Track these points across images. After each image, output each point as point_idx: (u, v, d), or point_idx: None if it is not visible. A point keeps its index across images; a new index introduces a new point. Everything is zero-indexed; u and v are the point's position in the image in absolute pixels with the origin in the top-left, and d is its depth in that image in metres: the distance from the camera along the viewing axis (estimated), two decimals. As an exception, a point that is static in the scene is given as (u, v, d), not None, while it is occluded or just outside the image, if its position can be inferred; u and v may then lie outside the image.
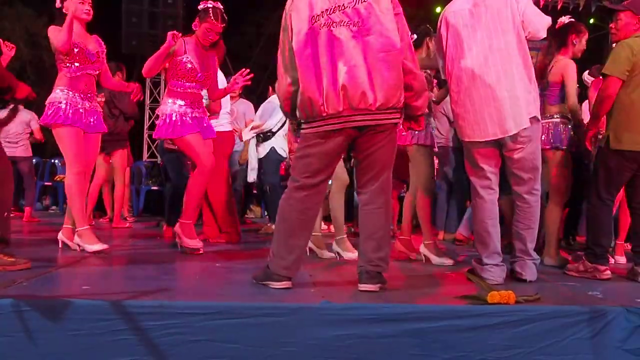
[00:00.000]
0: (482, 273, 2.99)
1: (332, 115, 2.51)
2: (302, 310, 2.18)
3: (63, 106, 3.58)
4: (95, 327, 2.09)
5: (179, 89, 3.79)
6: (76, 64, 3.65)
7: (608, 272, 3.25)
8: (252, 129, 5.65)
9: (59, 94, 3.62)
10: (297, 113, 2.65)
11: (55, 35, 3.57)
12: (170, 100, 3.79)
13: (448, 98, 3.34)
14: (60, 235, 3.87)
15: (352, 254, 3.64)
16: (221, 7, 3.85)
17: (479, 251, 3.09)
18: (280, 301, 2.29)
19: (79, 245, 3.69)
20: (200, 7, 3.82)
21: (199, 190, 3.83)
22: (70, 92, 3.63)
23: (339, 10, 2.54)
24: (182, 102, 3.78)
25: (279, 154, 5.64)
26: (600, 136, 3.54)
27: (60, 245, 3.84)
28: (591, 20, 9.10)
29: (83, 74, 3.68)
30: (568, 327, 2.25)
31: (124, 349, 2.08)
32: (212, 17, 3.76)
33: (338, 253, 3.80)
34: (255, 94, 6.36)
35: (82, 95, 3.67)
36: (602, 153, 3.32)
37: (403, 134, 3.51)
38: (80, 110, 3.65)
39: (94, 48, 3.75)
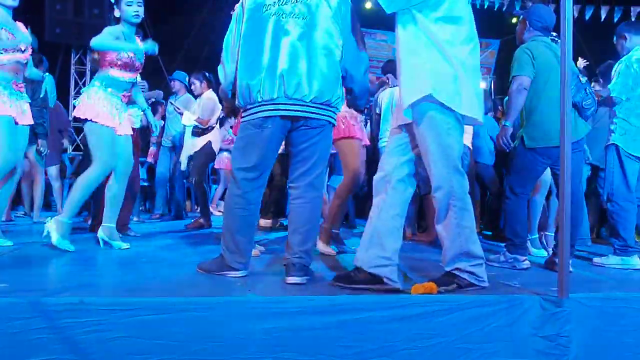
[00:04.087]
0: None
1: (266, 101, 2.57)
2: (228, 303, 2.17)
3: None
4: (12, 326, 2.00)
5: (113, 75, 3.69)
6: (3, 50, 3.48)
7: (527, 262, 3.44)
8: (195, 119, 5.63)
9: None
10: (236, 101, 2.68)
11: None
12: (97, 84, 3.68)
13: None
14: None
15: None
16: None
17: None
18: (206, 295, 2.27)
19: None
20: None
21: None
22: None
23: (291, 3, 2.62)
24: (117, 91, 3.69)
25: (213, 149, 5.65)
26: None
27: None
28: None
29: (13, 62, 3.54)
30: (488, 316, 2.34)
31: (42, 349, 2.00)
32: None
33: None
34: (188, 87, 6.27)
35: (12, 85, 3.53)
36: (517, 150, 3.51)
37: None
38: (11, 101, 3.52)
39: (22, 36, 3.59)
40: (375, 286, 2.48)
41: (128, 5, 3.64)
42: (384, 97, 5.15)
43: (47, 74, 5.19)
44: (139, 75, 3.95)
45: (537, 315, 2.39)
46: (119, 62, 3.65)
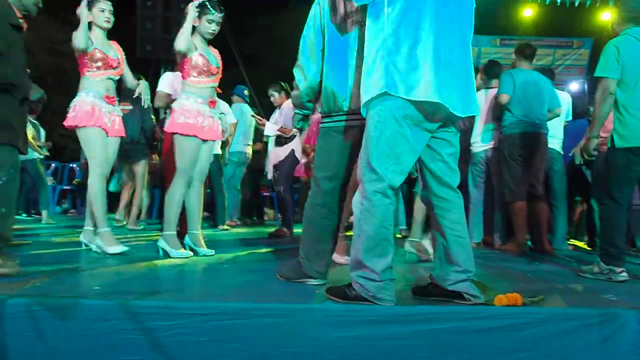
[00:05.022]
0: None
1: (353, 111, 2.55)
2: (306, 311, 2.18)
3: (87, 108, 3.68)
4: (103, 327, 2.11)
5: (195, 85, 3.82)
6: (98, 69, 3.75)
7: (624, 273, 3.19)
8: (279, 129, 5.76)
9: (82, 97, 3.73)
10: (318, 106, 2.67)
11: (75, 36, 3.68)
12: (184, 95, 3.83)
13: None
14: (81, 237, 3.96)
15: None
16: None
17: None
18: (284, 302, 2.29)
19: (99, 247, 3.77)
20: (195, 3, 3.83)
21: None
22: (94, 95, 3.72)
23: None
24: (199, 99, 3.82)
25: (296, 157, 5.77)
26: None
27: (83, 247, 3.92)
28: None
29: (104, 78, 3.78)
30: (578, 330, 2.20)
31: (130, 349, 2.10)
32: (210, 8, 3.77)
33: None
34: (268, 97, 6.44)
35: (104, 99, 3.77)
36: (608, 153, 3.30)
37: None
38: (104, 114, 3.76)
39: (114, 54, 3.85)
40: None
41: (209, 23, 3.79)
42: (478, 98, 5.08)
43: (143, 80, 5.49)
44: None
45: (635, 330, 2.22)
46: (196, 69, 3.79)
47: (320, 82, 2.70)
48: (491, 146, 5.17)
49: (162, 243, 3.80)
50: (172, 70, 4.95)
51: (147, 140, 6.36)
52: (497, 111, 4.95)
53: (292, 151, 5.83)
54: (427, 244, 3.79)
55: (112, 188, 7.08)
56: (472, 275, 2.38)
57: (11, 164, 2.81)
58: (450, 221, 2.37)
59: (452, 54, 2.26)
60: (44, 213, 6.95)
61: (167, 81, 4.82)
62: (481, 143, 5.23)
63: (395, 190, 2.28)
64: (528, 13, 11.42)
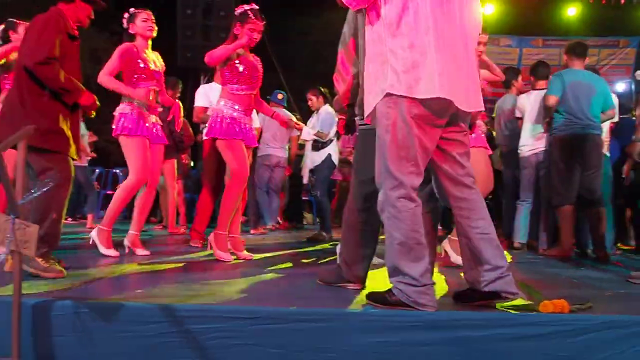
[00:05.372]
0: None
1: None
2: (346, 315, 2.17)
3: (133, 117, 3.78)
4: (146, 329, 2.14)
5: (235, 92, 3.88)
6: (141, 80, 3.86)
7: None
8: (315, 134, 5.79)
9: (126, 106, 3.83)
10: (356, 109, 2.67)
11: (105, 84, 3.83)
12: (222, 102, 3.88)
13: None
14: (125, 241, 4.05)
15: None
16: (257, 7, 3.93)
17: None
18: (322, 307, 2.29)
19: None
20: (239, 11, 3.91)
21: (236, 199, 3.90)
22: (137, 105, 3.81)
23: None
24: (236, 106, 3.87)
25: (333, 162, 5.79)
26: None
27: (126, 251, 4.01)
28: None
29: (147, 88, 3.87)
30: (626, 339, 2.12)
31: (171, 352, 2.12)
32: (253, 18, 3.83)
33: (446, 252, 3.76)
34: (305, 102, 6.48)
35: (147, 108, 3.86)
36: None
37: None
38: (147, 123, 3.86)
39: (155, 65, 3.95)
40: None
41: (250, 31, 3.84)
42: (526, 101, 5.02)
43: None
44: None
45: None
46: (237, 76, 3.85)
47: (358, 85, 2.69)
48: (540, 149, 5.05)
49: (211, 240, 3.88)
50: (211, 78, 5.07)
51: (175, 141, 6.43)
52: (546, 113, 4.84)
53: (329, 155, 5.84)
54: (446, 245, 3.74)
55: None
56: (504, 270, 2.30)
57: (61, 171, 2.89)
58: (472, 220, 2.33)
59: (454, 50, 2.24)
60: (90, 217, 7.14)
61: (203, 94, 4.92)
62: (529, 146, 5.11)
63: (417, 190, 2.25)
64: (572, 12, 11.15)
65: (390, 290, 2.28)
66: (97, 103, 3.11)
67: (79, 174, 7.01)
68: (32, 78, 2.88)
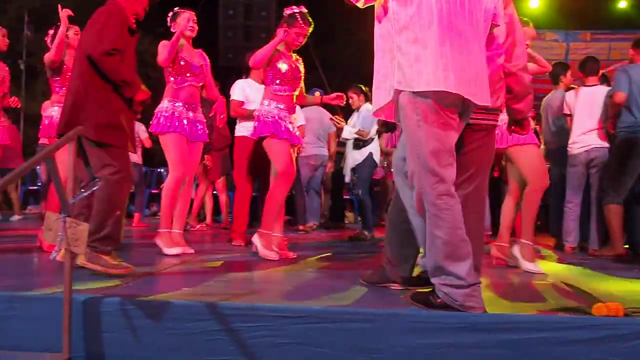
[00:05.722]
0: None
1: None
2: (391, 316, 2.14)
3: (168, 115, 3.85)
4: (192, 327, 2.17)
5: (277, 92, 3.91)
6: (182, 77, 3.91)
7: None
8: (356, 132, 5.77)
9: (165, 104, 3.93)
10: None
11: (161, 51, 3.89)
12: (266, 102, 3.91)
13: None
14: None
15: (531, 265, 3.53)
16: (306, 10, 3.94)
17: None
18: (369, 307, 2.27)
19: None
20: (287, 12, 3.92)
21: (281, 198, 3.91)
22: (176, 102, 3.88)
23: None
24: (281, 106, 3.90)
25: (374, 160, 5.75)
26: None
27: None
28: None
29: (188, 85, 3.93)
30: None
31: (217, 349, 2.14)
32: (301, 22, 3.85)
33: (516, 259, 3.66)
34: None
35: (186, 106, 3.92)
36: None
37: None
38: (184, 120, 3.91)
39: (198, 61, 4.01)
40: None
41: (297, 35, 3.86)
42: (576, 97, 4.87)
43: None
44: None
45: None
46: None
47: None
48: (591, 146, 4.88)
49: (256, 239, 3.90)
50: (248, 75, 5.10)
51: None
52: (613, 110, 4.67)
53: (370, 154, 5.80)
54: (515, 250, 3.64)
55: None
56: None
57: (121, 167, 2.89)
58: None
59: (462, 43, 2.20)
60: (136, 216, 7.29)
61: (240, 88, 4.94)
62: (580, 143, 4.95)
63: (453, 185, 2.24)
64: (622, 4, 10.77)
65: (433, 291, 2.25)
66: (149, 100, 3.15)
67: (135, 172, 7.16)
68: (96, 70, 2.88)
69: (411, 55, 2.21)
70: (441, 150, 2.21)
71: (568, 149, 5.02)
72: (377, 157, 5.88)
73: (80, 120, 2.81)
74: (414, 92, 2.21)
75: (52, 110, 4.21)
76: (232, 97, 4.98)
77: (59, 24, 4.08)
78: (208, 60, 4.19)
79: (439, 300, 2.21)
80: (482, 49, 2.31)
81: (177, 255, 3.80)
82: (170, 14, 4.08)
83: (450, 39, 2.19)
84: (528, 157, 3.57)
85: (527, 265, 3.52)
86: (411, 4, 2.22)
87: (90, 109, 2.86)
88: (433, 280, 2.25)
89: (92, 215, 2.87)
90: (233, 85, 5.10)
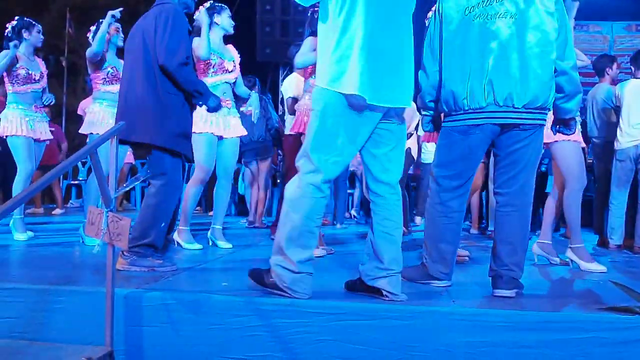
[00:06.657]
0: None
1: (474, 109, 2.47)
2: (432, 313, 2.11)
3: (197, 114, 3.81)
4: (231, 322, 2.19)
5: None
6: (214, 73, 3.89)
7: None
8: None
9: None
10: (439, 105, 2.63)
11: (196, 45, 3.79)
12: (307, 97, 3.84)
13: None
14: (209, 234, 4.11)
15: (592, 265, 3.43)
16: None
17: None
18: (409, 303, 2.24)
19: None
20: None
21: None
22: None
23: (497, 3, 2.47)
24: None
25: (412, 156, 5.69)
26: None
27: (210, 244, 4.08)
28: None
29: (221, 82, 3.92)
30: None
31: (257, 345, 2.15)
32: None
33: (572, 261, 3.56)
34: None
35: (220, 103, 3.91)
36: None
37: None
38: (217, 118, 3.86)
39: (230, 57, 3.98)
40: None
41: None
42: (625, 90, 4.71)
43: (254, 92, 5.61)
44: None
45: None
46: None
47: (440, 81, 2.62)
48: None
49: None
50: (290, 70, 5.05)
51: (273, 139, 6.53)
52: None
53: (408, 149, 5.73)
54: (569, 254, 3.55)
55: (241, 190, 7.39)
56: (395, 272, 2.32)
57: (174, 179, 2.87)
58: (381, 217, 2.37)
59: (385, 43, 2.25)
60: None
61: (295, 85, 4.87)
62: (629, 137, 4.78)
63: (330, 182, 2.30)
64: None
65: (269, 270, 2.33)
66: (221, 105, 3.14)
67: None
68: (168, 77, 2.81)
69: (336, 56, 2.25)
70: (327, 145, 2.27)
71: (615, 142, 4.85)
72: (414, 153, 5.81)
73: (150, 127, 2.78)
74: (328, 89, 2.27)
75: (94, 107, 4.22)
76: (287, 95, 4.89)
77: (101, 20, 4.13)
78: (238, 56, 4.14)
79: (271, 280, 2.30)
80: (409, 49, 2.36)
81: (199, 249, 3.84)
82: (203, 9, 3.90)
83: (374, 46, 2.25)
84: (566, 157, 3.48)
85: (587, 265, 3.43)
86: (344, 8, 2.25)
87: (168, 116, 2.81)
88: (271, 260, 2.33)
89: (137, 221, 2.84)
90: (285, 82, 5.02)
